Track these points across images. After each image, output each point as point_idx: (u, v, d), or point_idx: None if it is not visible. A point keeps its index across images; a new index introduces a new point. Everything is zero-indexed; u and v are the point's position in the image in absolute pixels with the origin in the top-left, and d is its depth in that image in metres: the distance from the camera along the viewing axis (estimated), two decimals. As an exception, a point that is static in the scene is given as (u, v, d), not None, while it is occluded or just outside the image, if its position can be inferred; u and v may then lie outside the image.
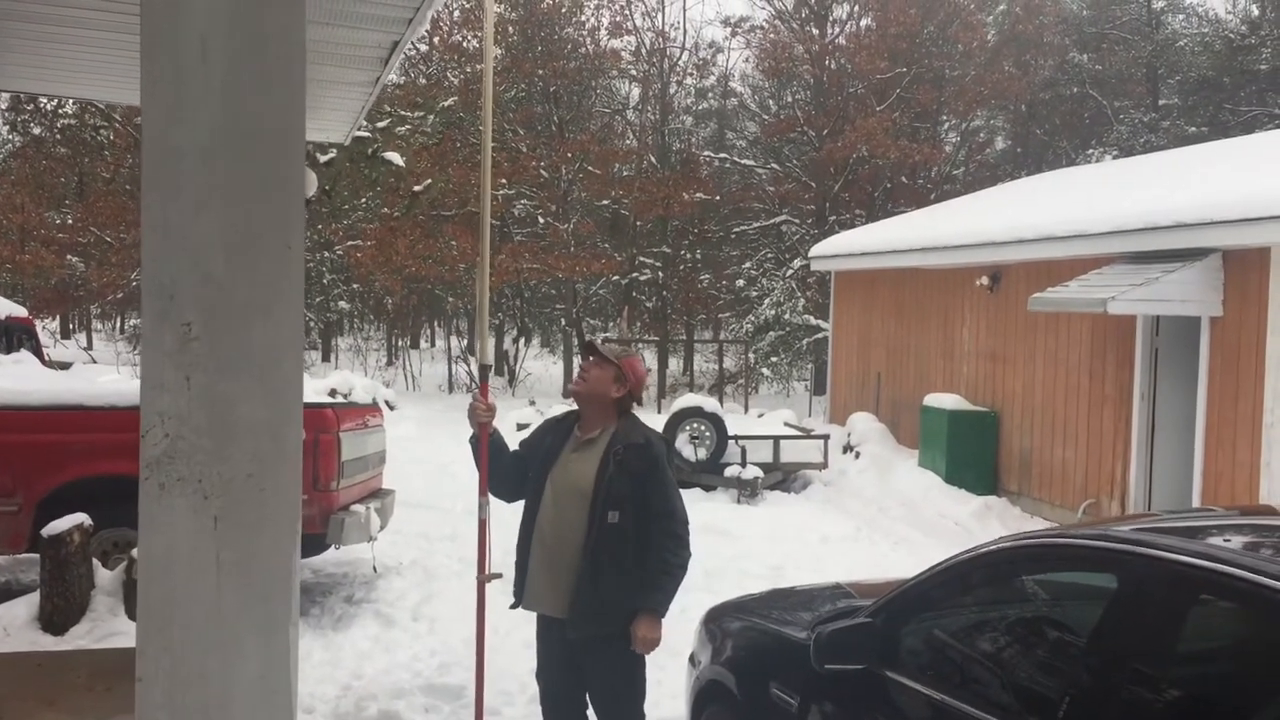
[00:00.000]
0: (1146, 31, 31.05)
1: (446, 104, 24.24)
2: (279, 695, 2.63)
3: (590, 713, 4.26)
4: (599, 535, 3.95)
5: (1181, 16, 32.06)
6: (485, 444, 4.29)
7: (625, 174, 26.98)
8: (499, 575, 4.35)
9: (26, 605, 6.03)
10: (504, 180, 23.31)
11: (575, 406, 4.32)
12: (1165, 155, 15.72)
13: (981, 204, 16.38)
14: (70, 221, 27.77)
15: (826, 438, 13.39)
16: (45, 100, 24.71)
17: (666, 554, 4.00)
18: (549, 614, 4.12)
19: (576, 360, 4.41)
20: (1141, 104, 30.61)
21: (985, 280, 12.58)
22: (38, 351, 9.43)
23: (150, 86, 2.55)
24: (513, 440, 4.45)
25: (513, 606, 4.25)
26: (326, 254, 25.64)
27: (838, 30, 28.58)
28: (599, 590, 3.94)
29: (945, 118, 30.30)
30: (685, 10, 44.05)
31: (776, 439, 12.88)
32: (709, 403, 13.09)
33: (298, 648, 2.75)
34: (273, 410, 2.62)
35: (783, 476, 12.91)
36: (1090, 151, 29.19)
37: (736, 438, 12.57)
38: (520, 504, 4.27)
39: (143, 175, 2.57)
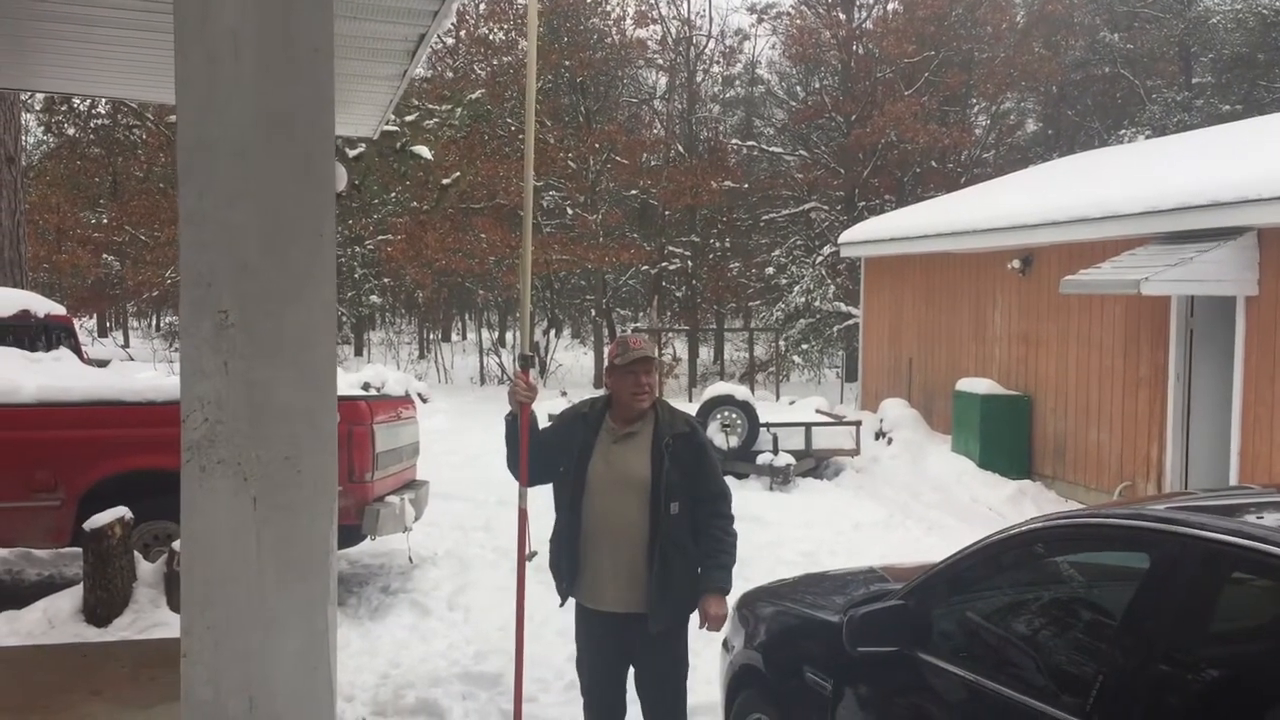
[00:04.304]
0: (1179, 9, 30.59)
1: (474, 97, 24.29)
2: (319, 671, 2.68)
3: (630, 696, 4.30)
4: (666, 528, 4.00)
5: (1214, -7, 31.59)
6: (525, 422, 4.21)
7: (653, 164, 26.95)
8: (535, 552, 4.35)
9: (70, 598, 6.14)
10: (533, 172, 23.29)
11: (600, 394, 4.35)
12: (1199, 134, 15.53)
13: (1012, 187, 16.25)
14: (105, 221, 28.10)
15: (858, 424, 13.35)
16: (78, 100, 24.97)
17: (719, 532, 4.11)
18: (617, 610, 4.08)
19: (607, 351, 4.38)
20: (1174, 83, 30.19)
21: (1017, 263, 12.49)
22: (76, 349, 9.56)
23: (184, 81, 2.60)
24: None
25: (562, 604, 4.28)
26: (357, 248, 25.80)
27: (865, 15, 28.41)
28: (673, 581, 4.01)
29: (975, 100, 30.04)
30: (711, -2, 43.85)
31: (808, 426, 12.86)
32: (740, 391, 13.08)
33: (336, 626, 2.80)
34: (308, 394, 2.67)
35: (815, 463, 12.89)
36: (1123, 132, 28.83)
37: (768, 425, 12.56)
38: (535, 490, 4.28)
39: (178, 168, 2.62)
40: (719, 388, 13.24)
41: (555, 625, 6.07)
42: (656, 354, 4.23)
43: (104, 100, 23.51)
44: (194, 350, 2.63)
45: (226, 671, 2.66)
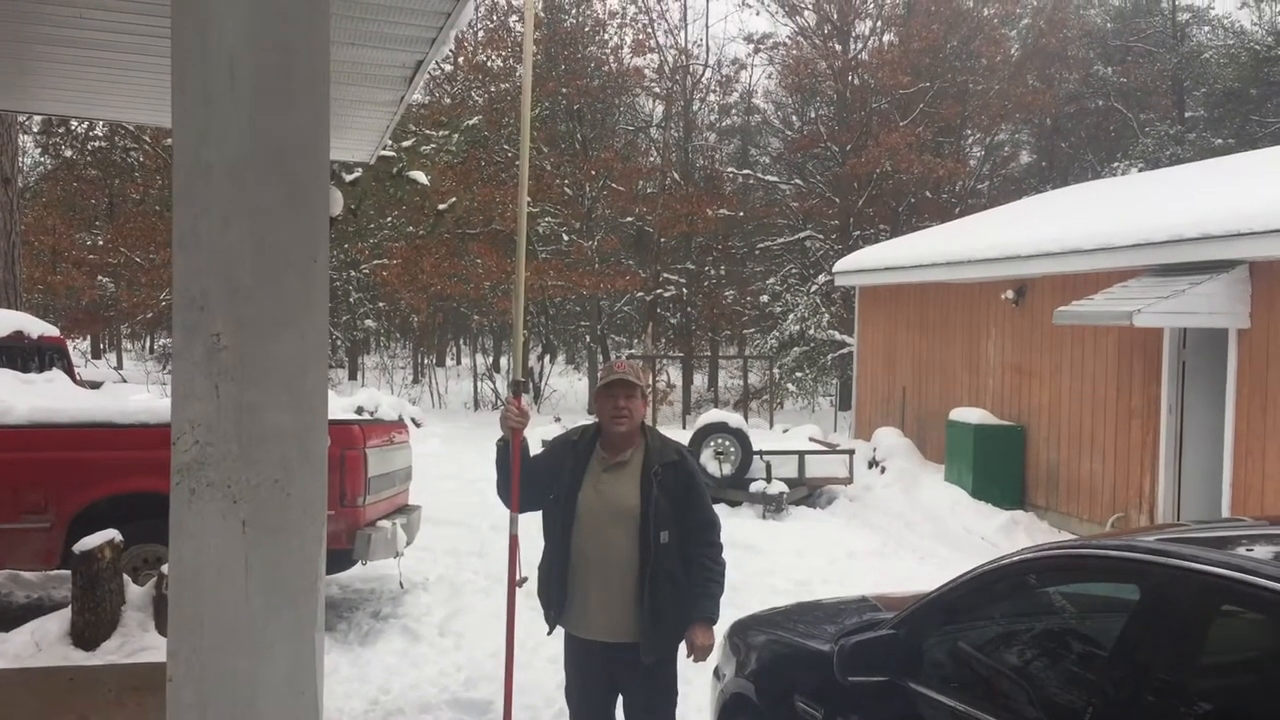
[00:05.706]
0: (1171, 44, 30.88)
1: (471, 123, 24.40)
2: (306, 696, 2.67)
3: None
4: (656, 557, 3.97)
5: (1207, 28, 31.88)
6: (517, 449, 4.20)
7: (649, 191, 27.06)
8: (526, 578, 4.34)
9: (58, 621, 6.09)
10: (528, 198, 23.35)
11: (592, 422, 4.33)
12: (1191, 168, 15.63)
13: (1006, 218, 16.32)
14: (101, 243, 28.13)
15: (852, 453, 13.34)
16: (76, 123, 25.05)
17: (708, 561, 4.07)
18: (606, 639, 4.06)
19: (600, 375, 4.36)
20: (1167, 116, 30.43)
21: (1010, 294, 12.53)
22: (69, 371, 9.53)
23: (180, 105, 2.62)
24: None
25: (550, 632, 4.25)
26: (353, 273, 25.84)
27: (861, 46, 28.63)
28: (665, 611, 3.98)
29: (969, 132, 30.23)
30: (708, 28, 44.25)
31: (801, 454, 12.85)
32: (734, 418, 13.08)
33: (324, 650, 2.79)
34: (298, 418, 2.68)
35: (808, 492, 12.88)
36: (1116, 165, 29.04)
37: (761, 453, 12.55)
38: (527, 516, 4.26)
39: (173, 191, 2.64)
40: (713, 415, 13.24)
41: (546, 652, 6.04)
42: (646, 380, 4.19)
43: (102, 123, 23.57)
44: (185, 373, 2.64)
45: (213, 696, 2.65)
